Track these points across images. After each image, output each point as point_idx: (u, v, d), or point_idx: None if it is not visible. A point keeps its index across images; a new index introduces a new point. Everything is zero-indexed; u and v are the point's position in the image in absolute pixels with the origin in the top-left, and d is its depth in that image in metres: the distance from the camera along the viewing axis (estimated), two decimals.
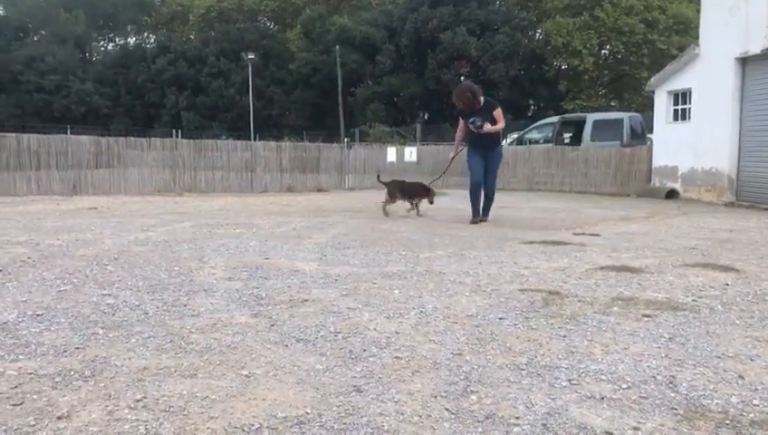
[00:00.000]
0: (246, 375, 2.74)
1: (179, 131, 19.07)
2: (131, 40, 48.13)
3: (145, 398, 2.48)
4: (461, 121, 8.76)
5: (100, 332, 3.37)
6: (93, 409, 2.40)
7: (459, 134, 8.93)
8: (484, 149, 8.52)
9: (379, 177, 10.34)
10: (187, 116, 37.12)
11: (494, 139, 8.60)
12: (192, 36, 44.33)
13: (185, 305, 3.93)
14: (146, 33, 48.98)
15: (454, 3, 31.85)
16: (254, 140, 25.49)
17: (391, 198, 9.36)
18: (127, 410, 2.37)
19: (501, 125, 8.46)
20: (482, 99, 8.50)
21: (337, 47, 34.08)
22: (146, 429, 2.23)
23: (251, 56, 33.99)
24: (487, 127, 8.26)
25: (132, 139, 16.55)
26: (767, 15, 10.97)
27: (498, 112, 8.43)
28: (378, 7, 38.82)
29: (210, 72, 38.15)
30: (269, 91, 38.44)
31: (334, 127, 34.49)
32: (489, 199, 8.67)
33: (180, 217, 9.20)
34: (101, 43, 48.37)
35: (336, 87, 34.54)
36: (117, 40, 48.59)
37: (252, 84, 34.50)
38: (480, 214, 8.54)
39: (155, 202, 12.62)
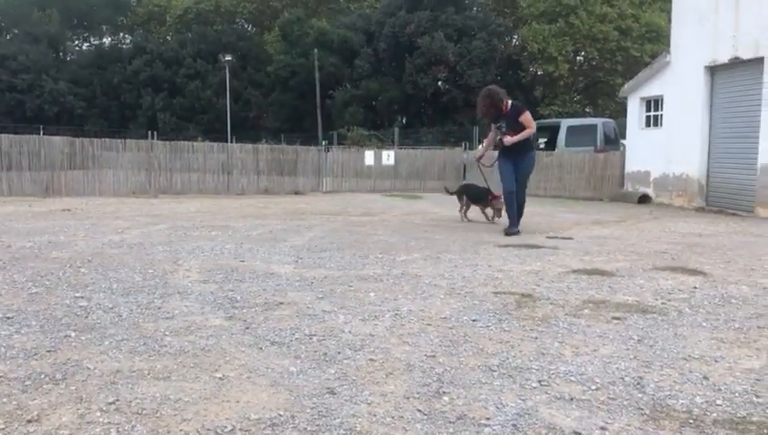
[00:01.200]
0: (220, 378, 2.75)
1: (155, 133, 18.87)
2: (107, 40, 47.53)
3: (117, 401, 2.48)
4: (492, 126, 8.36)
5: (73, 334, 3.34)
6: (64, 412, 2.39)
7: (488, 138, 8.54)
8: (515, 156, 7.97)
9: (446, 188, 11.05)
10: (164, 117, 36.79)
11: (525, 144, 7.98)
12: (169, 37, 43.94)
13: (159, 308, 3.92)
14: (122, 34, 48.43)
15: (431, 8, 32.03)
16: (231, 142, 25.36)
17: (460, 202, 9.44)
18: (98, 413, 2.37)
19: (529, 131, 7.89)
20: (509, 103, 7.99)
21: (315, 50, 34.06)
22: (117, 431, 2.23)
23: (228, 58, 33.80)
24: (507, 139, 7.80)
25: (107, 140, 16.37)
26: (734, 26, 11.22)
27: (526, 117, 7.90)
28: (356, 11, 38.89)
29: (187, 73, 37.86)
30: (246, 93, 38.26)
31: (312, 130, 34.43)
32: (521, 208, 8.09)
33: (155, 220, 9.12)
34: (76, 42, 47.67)
35: (314, 90, 34.50)
36: (92, 40, 47.95)
37: (229, 86, 34.32)
38: (518, 225, 7.89)
39: (130, 204, 12.50)
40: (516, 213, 7.92)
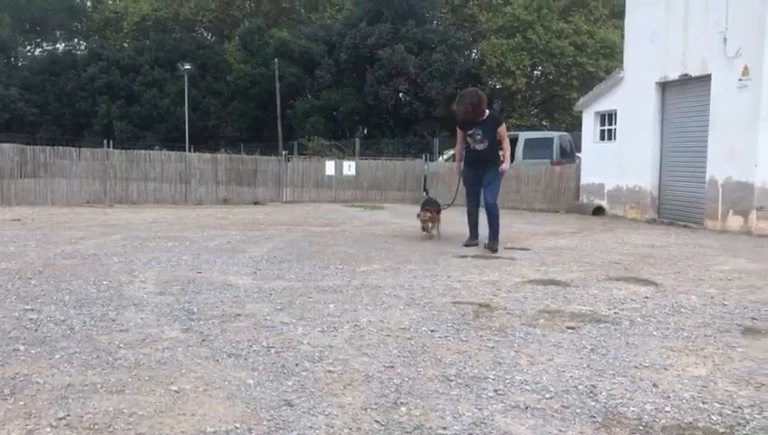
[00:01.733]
0: (176, 391, 2.71)
1: (111, 141, 18.50)
2: (60, 46, 46.42)
3: (68, 416, 2.42)
4: (460, 133, 7.80)
5: (22, 348, 3.25)
6: (12, 428, 2.32)
7: (459, 147, 7.98)
8: (482, 168, 7.55)
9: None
10: (120, 126, 36.07)
11: (496, 156, 7.63)
12: (126, 44, 43.17)
13: (113, 320, 3.84)
14: (76, 40, 47.33)
15: (392, 20, 32.27)
16: (190, 151, 25.03)
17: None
18: (48, 429, 2.31)
19: (507, 146, 7.67)
20: (486, 111, 7.57)
21: (276, 60, 33.93)
22: None
23: (187, 66, 33.38)
24: (503, 168, 7.56)
25: (61, 148, 15.99)
26: (683, 44, 11.62)
27: (504, 129, 7.60)
28: (317, 22, 38.91)
29: (144, 81, 37.25)
30: (205, 102, 37.83)
31: (272, 140, 34.22)
32: (492, 217, 7.43)
33: (110, 230, 8.94)
34: (28, 48, 46.45)
35: (274, 100, 34.33)
36: (45, 45, 46.78)
37: (188, 95, 33.89)
38: (477, 236, 7.63)
39: (84, 214, 12.21)
40: (489, 223, 7.44)
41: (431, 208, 8.42)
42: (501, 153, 7.71)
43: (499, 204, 7.77)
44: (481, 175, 7.54)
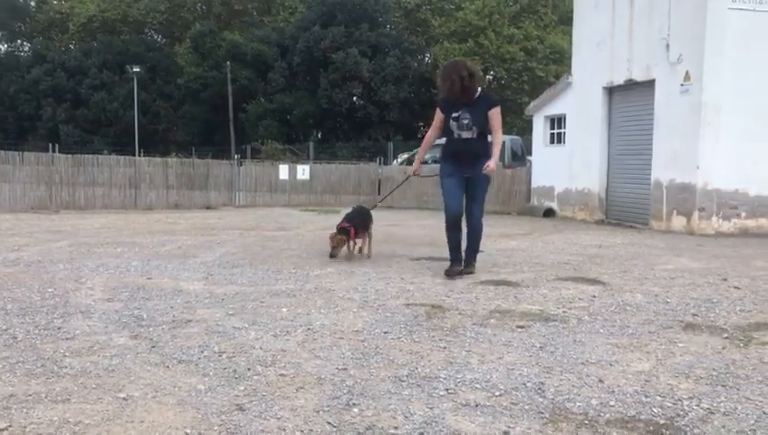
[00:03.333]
0: (124, 398, 2.67)
1: (57, 146, 17.97)
2: (2, 47, 44.90)
3: (10, 426, 2.36)
4: (439, 115, 5.86)
5: None
6: None
7: (430, 134, 6.05)
8: (467, 165, 5.68)
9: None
10: (66, 130, 35.06)
11: (484, 148, 5.73)
12: (72, 46, 42.04)
13: (59, 328, 3.75)
14: (19, 41, 45.87)
15: (345, 24, 32.30)
16: (139, 155, 24.52)
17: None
18: None
19: (498, 138, 5.74)
20: (478, 89, 5.80)
21: (228, 63, 33.55)
22: None
23: (136, 69, 32.70)
24: (490, 167, 5.54)
25: (2, 152, 15.48)
26: (629, 50, 11.98)
27: (496, 114, 5.69)
28: (269, 24, 38.64)
29: (92, 84, 36.30)
30: (155, 105, 37.12)
31: (225, 143, 33.80)
32: (474, 235, 5.88)
33: (56, 236, 8.69)
34: None
35: (227, 103, 33.93)
36: None
37: (137, 98, 33.19)
38: (462, 261, 5.85)
39: (28, 220, 11.83)
40: (469, 241, 5.90)
41: (354, 225, 6.61)
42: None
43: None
44: (467, 174, 5.72)
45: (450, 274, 5.70)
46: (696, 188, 10.49)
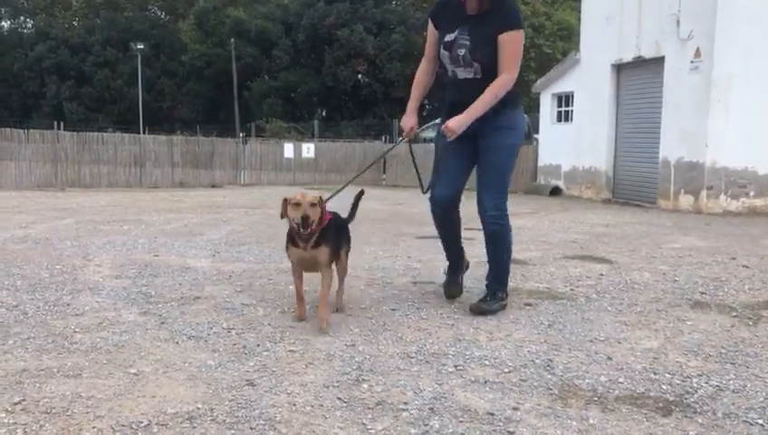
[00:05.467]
0: (135, 373, 2.68)
1: (62, 123, 17.95)
2: (6, 24, 44.69)
3: (24, 400, 2.37)
4: (431, 32, 3.75)
5: None
6: None
7: (422, 69, 3.86)
8: (477, 124, 3.49)
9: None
10: (71, 107, 35.02)
11: (505, 105, 3.55)
12: (75, 23, 41.82)
13: (68, 305, 3.76)
14: (22, 18, 45.65)
15: (350, 0, 32.01)
16: (144, 133, 24.47)
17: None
18: (3, 414, 2.26)
19: (502, 80, 3.46)
20: None
21: (232, 40, 33.34)
22: (24, 431, 2.14)
23: (140, 46, 32.56)
24: (447, 125, 3.47)
25: (8, 130, 15.48)
26: (638, 27, 11.84)
27: (514, 40, 3.46)
28: (274, 1, 38.30)
29: (96, 61, 36.16)
30: (160, 82, 36.99)
31: (229, 121, 33.72)
32: (495, 246, 3.78)
33: (63, 214, 8.71)
34: None
35: (231, 81, 33.79)
36: None
37: (141, 76, 33.09)
38: (459, 271, 4.05)
39: (34, 198, 11.86)
40: (493, 262, 3.82)
41: (324, 242, 3.46)
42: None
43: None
44: (471, 142, 3.63)
45: (447, 291, 3.97)
46: (704, 167, 10.43)
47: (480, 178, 3.73)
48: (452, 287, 4.01)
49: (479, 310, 3.68)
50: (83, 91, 35.96)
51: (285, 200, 3.44)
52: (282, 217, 3.47)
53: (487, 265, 3.88)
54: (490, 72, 3.50)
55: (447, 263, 4.10)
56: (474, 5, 3.50)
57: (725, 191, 10.42)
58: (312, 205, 3.32)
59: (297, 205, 3.32)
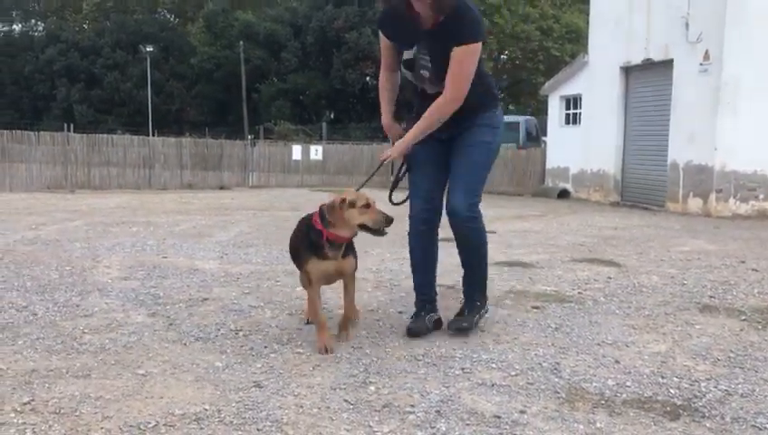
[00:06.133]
0: (143, 374, 2.70)
1: (71, 125, 18.06)
2: (17, 27, 45.04)
3: (33, 400, 2.39)
4: (384, 43, 3.33)
5: None
6: None
7: (383, 79, 3.47)
8: (453, 124, 3.22)
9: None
10: (80, 110, 35.24)
11: (475, 98, 3.17)
12: (85, 26, 42.09)
13: (77, 306, 3.79)
14: (33, 21, 45.99)
15: (359, 3, 32.06)
16: (153, 135, 24.60)
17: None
18: (13, 414, 2.28)
19: (449, 101, 3.10)
20: (450, 3, 2.98)
21: (241, 43, 33.47)
22: (33, 432, 2.16)
23: (149, 49, 32.75)
24: (385, 153, 3.31)
25: (18, 132, 15.59)
26: (647, 29, 11.80)
27: (465, 54, 3.03)
28: (282, 4, 38.43)
29: (105, 63, 36.40)
30: (169, 85, 37.17)
31: (238, 124, 33.84)
32: (467, 251, 3.47)
33: (72, 215, 8.77)
34: None
35: (240, 83, 33.91)
36: (1, 26, 45.34)
37: (150, 78, 33.26)
38: (435, 301, 3.50)
39: (44, 199, 11.94)
40: (468, 269, 3.51)
41: (352, 251, 3.25)
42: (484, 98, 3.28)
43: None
44: (444, 137, 3.30)
45: (413, 330, 3.29)
46: (713, 170, 10.38)
47: (452, 177, 3.31)
48: (416, 324, 3.34)
49: (458, 329, 3.30)
50: (93, 93, 36.19)
51: (344, 201, 2.97)
52: (330, 224, 2.97)
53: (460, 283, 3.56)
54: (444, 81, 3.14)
55: (416, 301, 3.48)
56: (429, 22, 3.08)
57: (735, 194, 10.36)
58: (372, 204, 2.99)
59: (367, 207, 2.98)
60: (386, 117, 3.53)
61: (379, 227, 2.99)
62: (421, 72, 3.23)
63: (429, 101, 3.20)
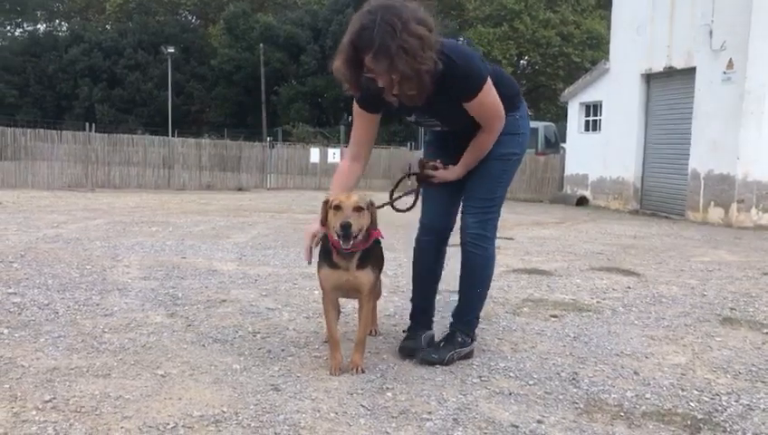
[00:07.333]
0: (162, 375, 2.72)
1: (93, 125, 18.27)
2: (41, 27, 45.69)
3: (54, 398, 2.42)
4: (362, 127, 3.12)
5: (6, 331, 3.23)
6: None
7: (341, 179, 2.95)
8: (459, 144, 2.99)
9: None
10: (102, 109, 35.66)
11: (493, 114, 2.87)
12: (108, 26, 42.58)
13: (97, 305, 3.83)
14: (57, 21, 46.63)
15: None
16: (173, 136, 24.82)
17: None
18: (35, 412, 2.31)
19: (486, 137, 2.91)
20: (432, 59, 2.62)
21: (261, 45, 33.68)
22: (54, 430, 2.18)
23: (171, 50, 33.02)
24: (442, 174, 3.05)
25: (42, 130, 15.80)
26: (669, 36, 11.71)
27: (481, 101, 2.77)
28: (303, 7, 38.62)
29: (127, 64, 36.81)
30: (189, 86, 37.49)
31: (256, 126, 34.04)
32: (470, 276, 3.11)
33: (93, 214, 8.87)
34: (8, 28, 45.68)
35: (259, 85, 34.11)
36: (25, 26, 46.03)
37: (171, 79, 33.55)
38: (431, 319, 3.29)
39: (65, 198, 12.09)
40: (465, 294, 3.15)
41: (371, 263, 2.87)
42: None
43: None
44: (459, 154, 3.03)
45: (406, 349, 3.08)
46: (735, 180, 10.26)
47: (466, 188, 3.07)
48: (406, 343, 3.12)
49: (425, 360, 2.95)
50: (114, 93, 36.60)
51: (326, 203, 2.71)
52: (322, 224, 2.75)
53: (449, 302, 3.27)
54: (469, 124, 2.90)
55: (411, 317, 3.25)
56: (422, 99, 2.73)
57: (757, 205, 10.23)
58: (358, 209, 2.63)
59: (338, 208, 2.63)
60: (336, 194, 2.77)
61: (337, 232, 2.61)
62: (430, 124, 3.07)
63: (445, 130, 3.07)
